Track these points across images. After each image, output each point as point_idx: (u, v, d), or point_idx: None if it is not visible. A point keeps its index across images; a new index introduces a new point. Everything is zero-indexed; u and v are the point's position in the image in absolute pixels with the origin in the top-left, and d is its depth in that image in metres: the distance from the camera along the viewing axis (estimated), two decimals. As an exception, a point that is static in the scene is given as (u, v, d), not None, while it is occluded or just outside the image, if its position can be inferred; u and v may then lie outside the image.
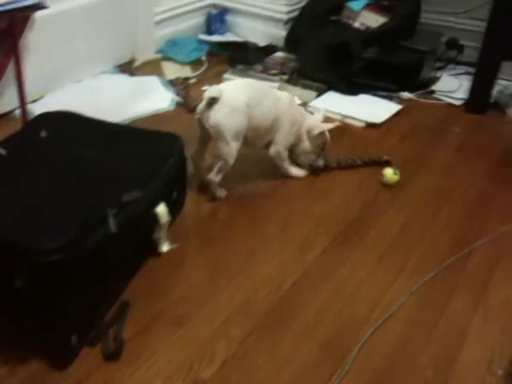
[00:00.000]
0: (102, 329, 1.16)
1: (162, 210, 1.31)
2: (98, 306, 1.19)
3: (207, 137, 1.57)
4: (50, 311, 1.05)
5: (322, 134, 1.68)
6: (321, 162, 1.74)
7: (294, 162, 1.75)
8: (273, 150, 1.67)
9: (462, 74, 2.44)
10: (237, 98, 1.52)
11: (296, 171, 1.74)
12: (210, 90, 1.50)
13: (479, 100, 2.19)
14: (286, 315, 1.23)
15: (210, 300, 1.25)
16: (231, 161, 1.55)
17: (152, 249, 1.37)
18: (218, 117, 1.49)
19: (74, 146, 1.36)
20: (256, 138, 1.63)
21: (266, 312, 1.23)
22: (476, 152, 1.93)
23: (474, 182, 1.76)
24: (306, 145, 1.70)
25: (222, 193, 1.63)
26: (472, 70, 2.26)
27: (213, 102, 1.49)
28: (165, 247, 1.39)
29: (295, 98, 1.77)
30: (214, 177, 1.57)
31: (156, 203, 1.30)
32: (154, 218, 1.31)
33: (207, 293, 1.28)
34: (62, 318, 1.07)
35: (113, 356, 1.11)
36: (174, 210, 1.42)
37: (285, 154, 1.70)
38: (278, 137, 1.65)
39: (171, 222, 1.38)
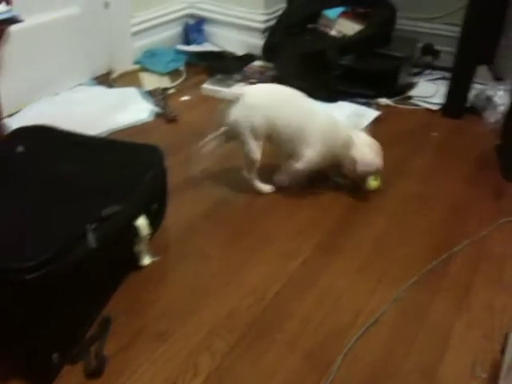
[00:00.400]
0: (83, 346, 1.14)
1: (142, 223, 1.30)
2: (79, 323, 1.17)
3: (229, 136, 1.63)
4: (31, 329, 1.04)
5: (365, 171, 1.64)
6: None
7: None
8: (295, 165, 1.65)
9: (439, 79, 2.47)
10: (256, 97, 1.58)
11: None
12: (231, 91, 1.59)
13: (456, 104, 2.21)
14: (270, 326, 1.23)
15: (192, 313, 1.24)
16: (254, 156, 1.61)
17: (133, 262, 1.36)
18: (236, 114, 1.57)
19: (51, 161, 1.34)
20: (281, 144, 1.65)
21: (249, 323, 1.23)
22: (454, 156, 1.95)
23: (453, 186, 1.78)
24: (346, 171, 1.67)
25: (265, 188, 1.68)
26: (448, 74, 2.28)
27: (234, 101, 1.57)
28: (146, 260, 1.38)
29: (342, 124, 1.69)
30: (246, 174, 1.67)
31: (136, 216, 1.29)
32: (135, 232, 1.30)
33: (189, 306, 1.27)
34: (42, 336, 1.05)
35: (95, 373, 1.09)
36: (154, 223, 1.41)
37: (299, 173, 1.66)
38: (303, 151, 1.63)
39: (152, 235, 1.37)
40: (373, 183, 1.68)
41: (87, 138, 1.50)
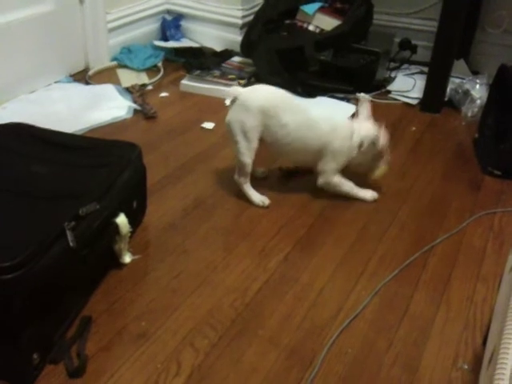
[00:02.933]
0: (63, 346, 1.13)
1: (121, 220, 1.29)
2: (59, 323, 1.15)
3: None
4: (10, 330, 1.02)
5: (372, 143, 1.59)
6: (383, 166, 1.66)
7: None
8: (320, 182, 1.64)
9: (416, 73, 2.49)
10: (251, 99, 1.54)
11: (364, 194, 1.67)
12: (229, 91, 1.58)
13: (434, 99, 2.23)
14: (252, 322, 1.22)
15: (174, 311, 1.23)
16: (243, 159, 1.57)
17: (113, 261, 1.35)
18: (230, 115, 1.56)
19: (27, 159, 1.32)
20: (286, 153, 1.63)
21: (231, 321, 1.22)
22: (432, 150, 1.97)
23: (431, 180, 1.79)
24: (360, 159, 1.62)
25: (256, 197, 1.62)
26: (426, 69, 2.31)
27: (233, 101, 1.55)
28: (127, 258, 1.36)
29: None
30: (237, 177, 1.63)
31: (115, 214, 1.28)
32: (115, 230, 1.28)
33: (171, 304, 1.26)
34: (22, 337, 1.03)
35: (76, 373, 1.08)
36: (134, 221, 1.40)
37: (336, 180, 1.63)
38: (321, 165, 1.62)
39: (132, 233, 1.36)
40: (382, 168, 1.66)
41: (64, 136, 1.48)
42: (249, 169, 1.60)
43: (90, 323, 1.19)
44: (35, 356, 1.06)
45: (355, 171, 1.67)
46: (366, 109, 1.65)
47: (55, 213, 1.14)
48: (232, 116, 1.56)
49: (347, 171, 1.66)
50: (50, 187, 1.24)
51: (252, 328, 1.21)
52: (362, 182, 1.68)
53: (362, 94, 2.24)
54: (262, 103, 1.54)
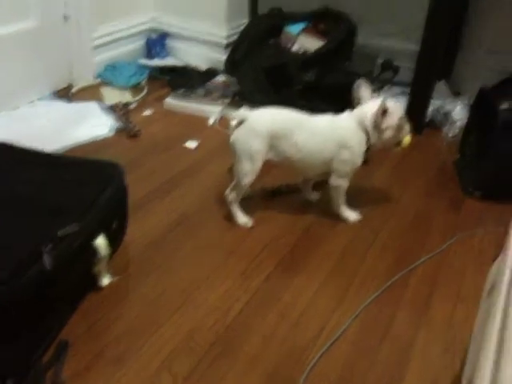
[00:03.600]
0: (39, 371, 1.11)
1: (101, 242, 1.27)
2: (35, 347, 1.13)
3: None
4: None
5: (383, 112, 1.53)
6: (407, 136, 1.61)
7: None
8: (332, 181, 1.62)
9: (399, 94, 2.51)
10: (260, 123, 1.53)
11: (349, 214, 1.67)
12: (238, 112, 1.56)
13: (415, 119, 2.22)
14: (233, 345, 1.21)
15: (153, 334, 1.22)
16: (243, 180, 1.56)
17: (92, 283, 1.33)
18: (236, 136, 1.54)
19: (6, 179, 1.30)
20: (298, 169, 1.63)
21: (211, 343, 1.21)
22: (414, 171, 1.98)
23: (413, 200, 1.80)
24: (383, 139, 1.58)
25: (241, 219, 1.62)
26: (408, 90, 2.33)
27: (240, 123, 1.53)
28: (105, 281, 1.35)
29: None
30: (229, 193, 1.61)
31: (94, 235, 1.27)
32: (93, 251, 1.27)
33: (150, 327, 1.24)
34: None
35: (51, 399, 1.06)
36: (114, 241, 1.38)
37: (343, 185, 1.62)
38: (336, 165, 1.59)
39: (112, 254, 1.35)
40: (407, 138, 1.62)
41: (45, 155, 1.46)
42: (245, 190, 1.59)
43: (67, 347, 1.17)
44: (9, 382, 1.04)
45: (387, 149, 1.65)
46: (364, 90, 1.62)
47: (33, 234, 1.13)
48: (238, 138, 1.53)
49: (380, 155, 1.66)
50: (28, 207, 1.22)
51: (233, 349, 1.20)
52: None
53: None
54: (270, 127, 1.53)
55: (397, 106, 1.60)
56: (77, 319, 1.25)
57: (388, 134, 1.58)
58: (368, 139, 1.58)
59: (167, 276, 1.40)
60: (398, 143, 1.63)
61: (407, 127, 1.62)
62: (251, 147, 1.53)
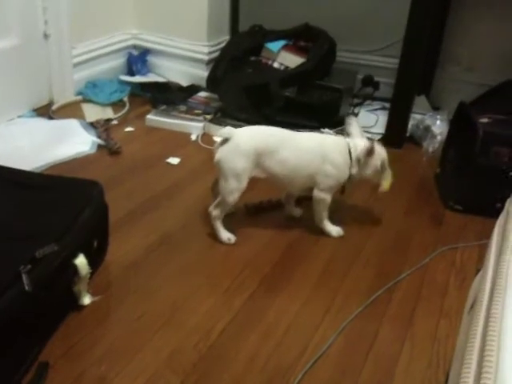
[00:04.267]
0: (18, 394, 1.08)
1: (81, 261, 1.25)
2: (14, 369, 1.11)
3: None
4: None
5: (371, 158, 1.61)
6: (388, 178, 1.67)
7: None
8: (315, 193, 1.63)
9: (379, 109, 2.54)
10: (245, 141, 1.53)
11: (332, 228, 1.68)
12: (223, 131, 1.55)
13: (395, 134, 2.27)
14: (215, 366, 1.19)
15: (134, 355, 1.20)
16: (229, 198, 1.55)
17: (72, 303, 1.31)
18: (221, 154, 1.53)
19: (-17, 200, 1.29)
20: (284, 184, 1.64)
21: (194, 363, 1.19)
22: (394, 186, 1.96)
23: (395, 215, 1.81)
24: (364, 175, 1.64)
25: (224, 235, 1.61)
26: (388, 105, 2.35)
27: (225, 141, 1.53)
28: (86, 300, 1.32)
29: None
30: (212, 209, 1.60)
31: (74, 255, 1.25)
32: (73, 271, 1.25)
33: (131, 348, 1.22)
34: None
35: (30, 424, 1.03)
36: (95, 261, 1.37)
37: (327, 199, 1.63)
38: (320, 178, 1.60)
39: (93, 273, 1.33)
40: (388, 180, 1.67)
41: (23, 174, 1.45)
42: (230, 207, 1.59)
43: (47, 369, 1.14)
44: (-13, 405, 1.02)
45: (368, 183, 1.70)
46: (355, 127, 1.67)
47: (11, 255, 1.11)
48: (223, 156, 1.53)
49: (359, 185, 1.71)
50: (6, 227, 1.20)
51: (216, 371, 1.18)
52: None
53: (326, 130, 2.29)
54: (255, 145, 1.53)
55: (383, 152, 1.64)
56: (57, 340, 1.22)
57: (367, 172, 1.63)
58: (350, 167, 1.61)
59: (148, 297, 1.38)
60: (378, 185, 1.67)
61: (388, 174, 1.66)
62: (237, 165, 1.52)
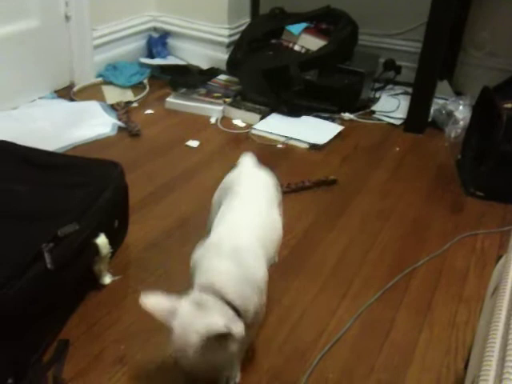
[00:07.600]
0: (40, 370, 1.10)
1: (102, 241, 1.27)
2: (35, 346, 1.13)
3: None
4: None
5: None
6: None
7: None
8: None
9: (401, 94, 2.51)
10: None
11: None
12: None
13: (417, 119, 2.24)
14: (233, 346, 1.20)
15: (152, 336, 1.21)
16: None
17: (93, 282, 1.33)
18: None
19: (5, 179, 1.30)
20: None
21: (212, 344, 1.20)
22: (415, 171, 1.97)
23: (414, 201, 1.79)
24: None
25: None
26: (410, 90, 2.32)
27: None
28: (106, 280, 1.34)
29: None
30: None
31: (95, 235, 1.26)
32: (94, 250, 1.26)
33: (150, 328, 1.22)
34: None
35: (52, 399, 1.05)
36: (115, 241, 1.38)
37: None
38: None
39: (113, 253, 1.34)
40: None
41: (45, 154, 1.46)
42: None
43: (68, 347, 1.16)
44: (10, 380, 1.03)
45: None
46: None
47: (33, 234, 1.12)
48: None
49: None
50: (28, 207, 1.22)
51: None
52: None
53: (347, 114, 2.27)
54: None
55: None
56: (77, 319, 1.24)
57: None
58: None
59: (166, 278, 1.39)
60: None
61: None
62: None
